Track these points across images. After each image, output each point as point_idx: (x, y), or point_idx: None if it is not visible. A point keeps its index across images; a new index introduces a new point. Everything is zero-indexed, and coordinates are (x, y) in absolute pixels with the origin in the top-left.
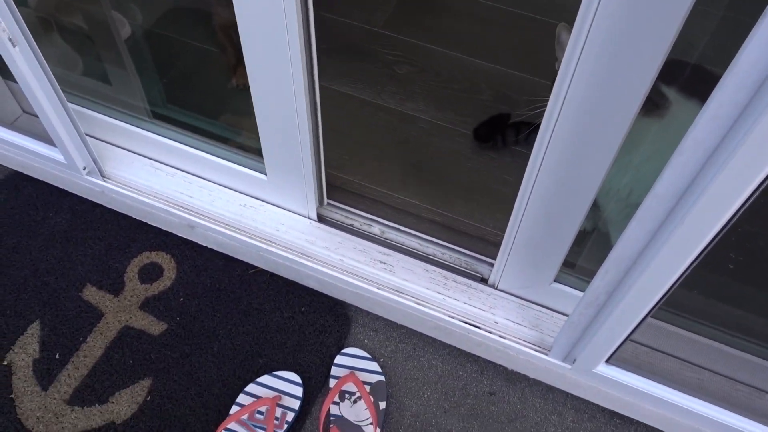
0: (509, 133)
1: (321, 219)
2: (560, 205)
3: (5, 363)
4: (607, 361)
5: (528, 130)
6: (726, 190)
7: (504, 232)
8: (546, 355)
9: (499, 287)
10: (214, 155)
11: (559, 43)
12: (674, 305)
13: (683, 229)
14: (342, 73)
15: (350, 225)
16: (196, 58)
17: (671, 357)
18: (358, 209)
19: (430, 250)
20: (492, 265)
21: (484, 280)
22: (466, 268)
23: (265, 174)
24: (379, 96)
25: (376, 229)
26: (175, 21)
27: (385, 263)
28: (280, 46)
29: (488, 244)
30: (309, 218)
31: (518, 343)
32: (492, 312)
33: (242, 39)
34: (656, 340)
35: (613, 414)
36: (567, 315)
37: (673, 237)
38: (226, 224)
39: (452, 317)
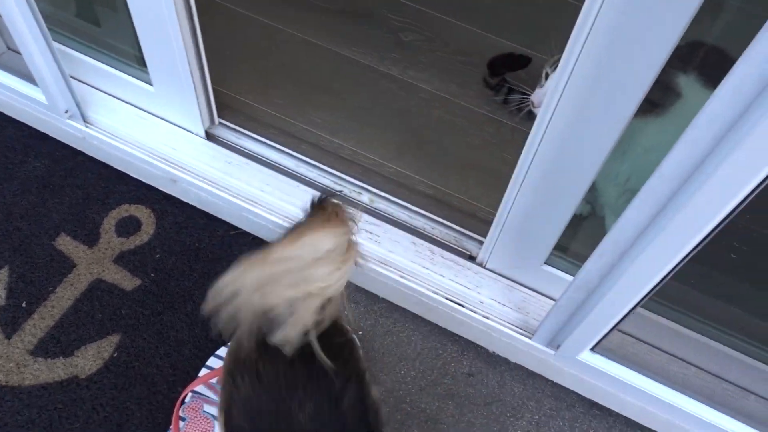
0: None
1: (302, 180)
2: (557, 186)
3: None
4: (592, 349)
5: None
6: (739, 171)
7: (495, 209)
8: (529, 338)
9: (487, 266)
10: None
11: None
12: (665, 296)
13: (687, 212)
14: (345, 35)
15: (339, 191)
16: None
17: (657, 350)
18: (348, 175)
19: (420, 223)
20: (482, 243)
21: (472, 258)
22: (454, 245)
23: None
24: (381, 62)
25: (365, 198)
26: None
27: (371, 233)
28: None
29: (480, 222)
30: (295, 181)
31: (502, 324)
32: (478, 291)
33: None
34: (643, 331)
35: (593, 404)
36: (555, 300)
37: (674, 221)
38: (210, 181)
39: (436, 293)
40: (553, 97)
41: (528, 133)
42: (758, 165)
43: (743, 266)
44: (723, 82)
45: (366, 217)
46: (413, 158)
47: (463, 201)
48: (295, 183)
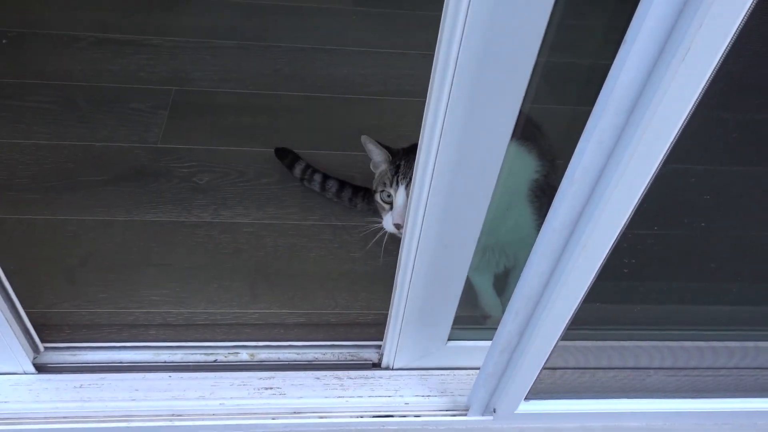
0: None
1: (170, 368)
2: (445, 272)
3: None
4: (525, 399)
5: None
6: (616, 208)
7: (371, 309)
8: (465, 415)
9: (395, 367)
10: None
11: (369, 150)
12: None
13: (586, 251)
14: (137, 201)
15: (213, 361)
16: None
17: (566, 369)
18: (216, 341)
19: (310, 355)
20: (377, 347)
21: (377, 366)
22: (354, 360)
23: None
24: (190, 213)
25: (244, 355)
26: None
27: (271, 388)
28: None
29: (365, 327)
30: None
31: (435, 415)
32: (399, 395)
33: None
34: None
35: None
36: (467, 368)
37: (577, 259)
38: (63, 417)
39: (362, 417)
40: (420, 200)
41: (363, 225)
42: (627, 204)
43: (635, 274)
44: (585, 139)
45: (256, 374)
46: (270, 294)
47: (338, 314)
48: (165, 374)
